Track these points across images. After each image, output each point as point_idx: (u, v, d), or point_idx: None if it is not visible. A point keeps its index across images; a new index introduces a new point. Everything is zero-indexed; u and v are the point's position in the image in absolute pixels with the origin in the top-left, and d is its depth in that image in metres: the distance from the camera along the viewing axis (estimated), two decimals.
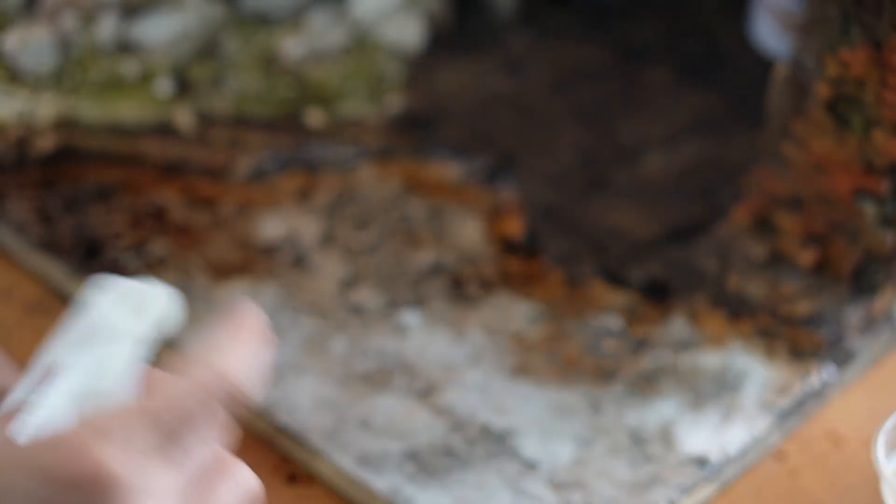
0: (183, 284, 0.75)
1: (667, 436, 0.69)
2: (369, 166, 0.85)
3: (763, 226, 0.78)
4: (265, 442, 0.70)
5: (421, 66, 0.94)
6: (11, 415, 0.46)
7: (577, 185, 0.85)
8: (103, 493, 0.43)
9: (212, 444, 0.48)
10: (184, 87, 0.89)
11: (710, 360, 0.73)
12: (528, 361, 0.73)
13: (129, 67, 0.89)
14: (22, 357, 0.55)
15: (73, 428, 0.44)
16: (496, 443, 0.68)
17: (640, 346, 0.74)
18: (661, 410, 0.70)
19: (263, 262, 0.78)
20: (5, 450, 0.44)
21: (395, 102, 0.90)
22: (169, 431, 0.45)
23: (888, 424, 0.66)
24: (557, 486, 0.67)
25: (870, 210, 0.73)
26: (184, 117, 0.87)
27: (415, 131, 0.88)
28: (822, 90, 0.72)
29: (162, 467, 0.45)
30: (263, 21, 0.94)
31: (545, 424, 0.69)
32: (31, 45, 0.87)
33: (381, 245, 0.80)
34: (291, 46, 0.92)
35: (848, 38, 0.70)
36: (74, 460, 0.43)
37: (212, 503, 0.47)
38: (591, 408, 0.71)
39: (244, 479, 0.49)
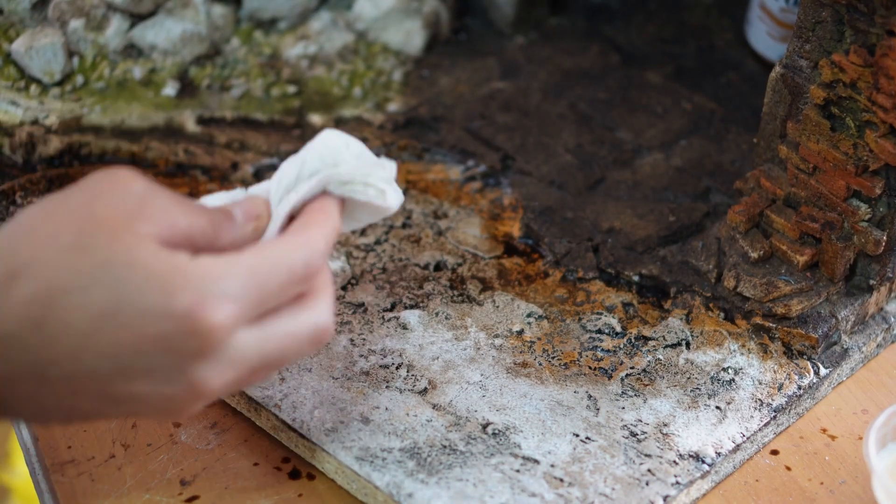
0: None
1: (663, 433, 0.70)
2: None
3: (758, 226, 0.78)
4: (268, 438, 0.70)
5: (421, 68, 0.94)
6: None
7: (575, 186, 0.85)
8: (197, 337, 0.53)
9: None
10: (188, 89, 0.90)
11: (705, 358, 0.74)
12: (527, 360, 0.73)
13: (135, 70, 0.90)
14: None
15: (198, 275, 0.54)
16: (495, 440, 0.69)
17: (637, 344, 0.74)
18: (658, 408, 0.71)
19: None
20: (157, 270, 0.54)
21: (395, 104, 0.91)
22: (268, 295, 0.56)
23: (878, 421, 0.67)
24: (555, 482, 0.67)
25: (863, 211, 0.73)
26: (188, 119, 0.87)
27: (415, 133, 0.89)
28: (816, 93, 0.72)
29: (251, 330, 0.55)
30: (266, 25, 0.94)
31: (544, 422, 0.70)
32: (40, 48, 0.87)
33: (382, 245, 0.80)
34: (294, 49, 0.93)
35: (841, 42, 0.71)
36: (192, 304, 0.53)
37: (280, 341, 0.57)
38: (589, 405, 0.71)
39: (317, 316, 0.58)
